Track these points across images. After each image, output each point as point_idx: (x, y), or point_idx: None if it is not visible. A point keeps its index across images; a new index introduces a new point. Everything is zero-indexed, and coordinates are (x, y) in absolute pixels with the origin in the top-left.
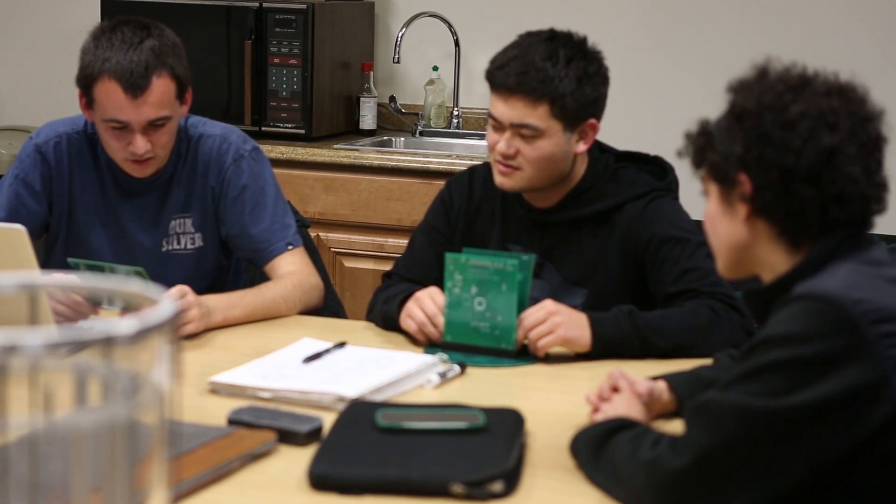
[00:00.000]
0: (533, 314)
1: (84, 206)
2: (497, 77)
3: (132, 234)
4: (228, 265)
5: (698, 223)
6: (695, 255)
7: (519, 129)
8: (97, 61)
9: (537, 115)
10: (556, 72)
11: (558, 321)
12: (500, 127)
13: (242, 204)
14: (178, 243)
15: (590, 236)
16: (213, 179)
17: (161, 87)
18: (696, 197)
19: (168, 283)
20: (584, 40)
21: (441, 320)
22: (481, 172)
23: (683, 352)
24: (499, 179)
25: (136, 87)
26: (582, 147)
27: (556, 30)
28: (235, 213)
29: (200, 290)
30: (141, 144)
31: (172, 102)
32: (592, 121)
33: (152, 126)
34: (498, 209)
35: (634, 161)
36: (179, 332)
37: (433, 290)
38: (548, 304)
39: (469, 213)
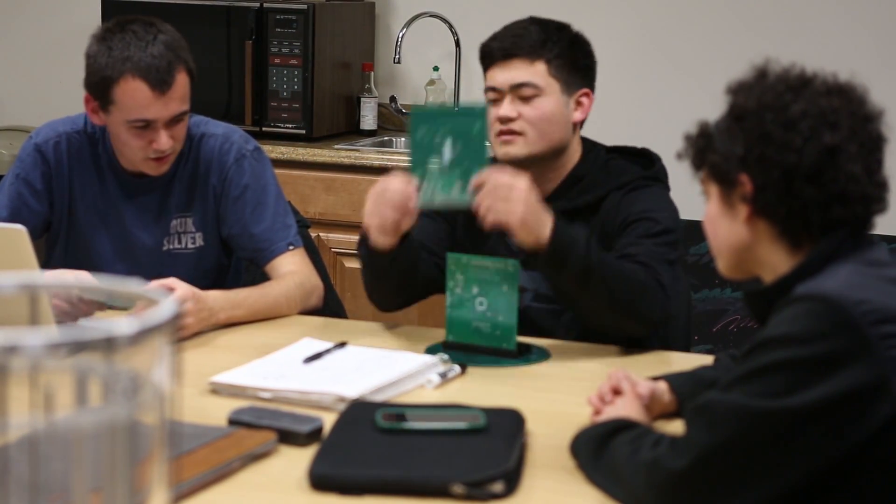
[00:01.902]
0: (500, 178)
1: (84, 206)
2: (493, 46)
3: (133, 233)
4: (229, 265)
5: (675, 214)
6: (655, 236)
7: (519, 91)
8: (116, 62)
9: (536, 72)
10: (548, 35)
11: (523, 198)
12: (499, 96)
13: (244, 203)
14: (179, 242)
15: (582, 227)
16: (215, 179)
17: (182, 81)
18: (696, 197)
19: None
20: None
21: (413, 203)
22: None
23: (611, 303)
24: (502, 150)
25: (162, 83)
26: (578, 116)
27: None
28: (237, 213)
29: (201, 289)
30: (165, 141)
31: (189, 96)
32: (586, 90)
33: (173, 121)
34: None
35: (623, 154)
36: (179, 334)
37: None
38: (524, 181)
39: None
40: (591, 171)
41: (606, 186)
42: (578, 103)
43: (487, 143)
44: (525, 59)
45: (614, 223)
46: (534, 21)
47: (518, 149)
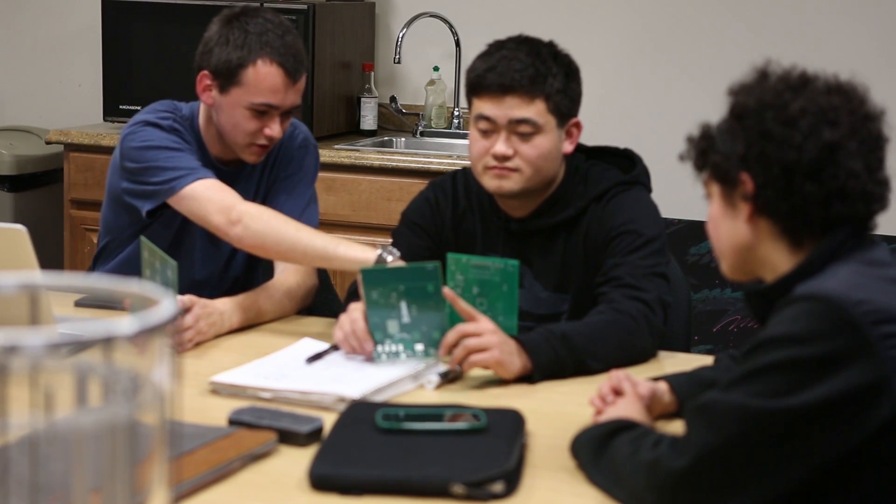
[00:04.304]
0: (471, 328)
1: None
2: (488, 79)
3: None
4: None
5: (656, 218)
6: (639, 249)
7: (516, 128)
8: (254, 44)
9: (535, 110)
10: (546, 68)
11: (494, 341)
12: (493, 129)
13: (288, 183)
14: None
15: (562, 243)
16: (279, 160)
17: (304, 76)
18: (697, 198)
19: (234, 267)
20: (552, 41)
21: (369, 347)
22: (462, 180)
23: (612, 362)
24: (494, 184)
25: (296, 72)
26: (568, 147)
27: (525, 34)
28: (277, 190)
29: (238, 271)
30: (278, 129)
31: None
32: (576, 119)
33: (286, 114)
34: (478, 220)
35: (604, 156)
36: (195, 339)
37: (353, 310)
38: (488, 324)
39: (455, 221)
40: (570, 185)
41: (585, 198)
42: (569, 133)
43: (445, 302)
44: (524, 96)
45: (597, 238)
46: (524, 45)
47: (512, 184)
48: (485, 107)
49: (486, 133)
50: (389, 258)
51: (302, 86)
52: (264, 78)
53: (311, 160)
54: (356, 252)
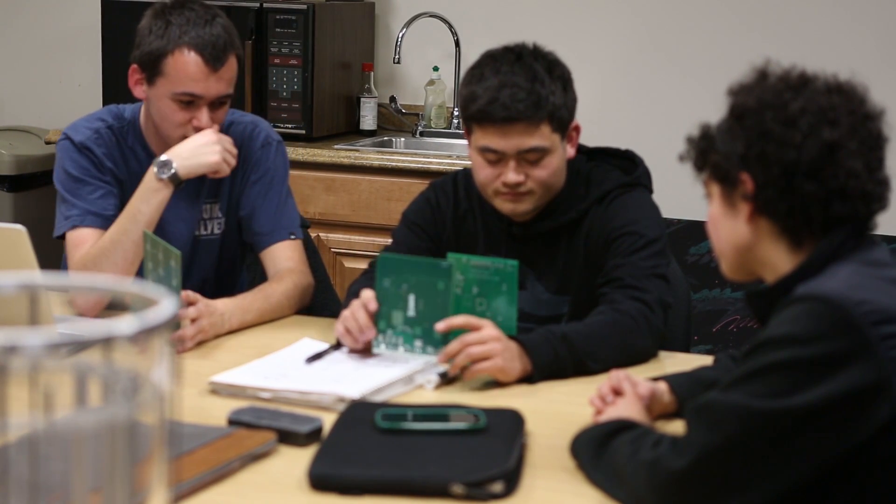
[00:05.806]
0: (474, 337)
1: (126, 197)
2: (492, 112)
3: (170, 222)
4: (242, 254)
5: (657, 219)
6: (640, 250)
7: (525, 156)
8: (174, 34)
9: (542, 136)
10: (546, 89)
11: (498, 349)
12: (500, 159)
13: (260, 186)
14: (206, 229)
15: (565, 246)
16: (241, 161)
17: (232, 64)
18: (696, 197)
19: (197, 268)
20: (537, 46)
21: (372, 334)
22: (463, 182)
23: (612, 362)
24: (509, 207)
25: (216, 59)
26: (570, 151)
27: (511, 45)
28: (251, 195)
29: (220, 275)
30: (206, 119)
31: (234, 83)
32: (575, 123)
33: (217, 103)
34: (480, 222)
35: (606, 157)
36: (194, 339)
37: (355, 305)
38: (491, 330)
39: (456, 223)
40: (572, 187)
41: (587, 201)
42: (569, 138)
43: (454, 293)
44: (528, 124)
45: (598, 240)
46: (519, 66)
47: (527, 206)
48: (490, 139)
49: (493, 162)
50: (163, 157)
51: (229, 75)
52: (183, 67)
53: (279, 158)
54: (146, 183)
